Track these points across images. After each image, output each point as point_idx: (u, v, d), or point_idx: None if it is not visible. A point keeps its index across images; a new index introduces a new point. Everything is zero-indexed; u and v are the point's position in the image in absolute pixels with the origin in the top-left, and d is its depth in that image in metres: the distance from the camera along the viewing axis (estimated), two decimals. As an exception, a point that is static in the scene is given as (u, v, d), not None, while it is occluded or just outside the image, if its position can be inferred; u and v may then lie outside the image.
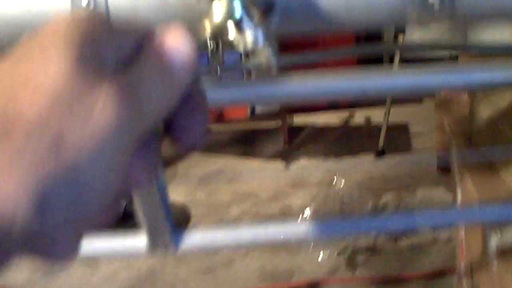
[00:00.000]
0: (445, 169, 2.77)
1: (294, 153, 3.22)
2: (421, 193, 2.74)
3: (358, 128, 3.48)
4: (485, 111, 1.35)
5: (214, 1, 0.45)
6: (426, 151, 3.08)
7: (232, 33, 0.46)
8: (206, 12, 0.46)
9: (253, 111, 3.28)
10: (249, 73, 2.78)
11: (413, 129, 3.33)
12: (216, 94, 0.83)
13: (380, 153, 3.09)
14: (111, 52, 0.32)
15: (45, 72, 0.30)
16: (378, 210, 2.66)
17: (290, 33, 0.56)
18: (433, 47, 1.76)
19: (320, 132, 3.43)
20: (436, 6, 0.53)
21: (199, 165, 3.13)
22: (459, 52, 1.82)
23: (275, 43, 0.49)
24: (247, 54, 0.48)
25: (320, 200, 2.76)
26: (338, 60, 2.99)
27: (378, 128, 3.12)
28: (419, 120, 3.36)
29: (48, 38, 0.31)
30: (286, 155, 3.20)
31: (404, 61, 2.83)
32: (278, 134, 3.34)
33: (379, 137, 3.08)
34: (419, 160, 3.01)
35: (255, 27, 0.46)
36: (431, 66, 0.89)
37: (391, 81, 0.88)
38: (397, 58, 2.85)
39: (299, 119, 3.57)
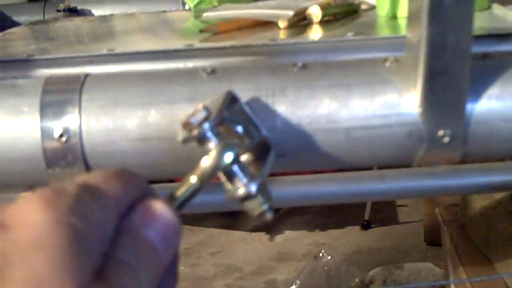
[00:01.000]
0: (432, 242, 2.73)
1: (279, 225, 3.16)
2: (409, 267, 2.68)
3: (343, 198, 3.43)
4: (479, 201, 1.31)
5: (203, 153, 0.40)
6: (412, 224, 3.03)
7: (222, 181, 0.42)
8: (194, 157, 0.41)
9: (237, 181, 3.23)
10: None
11: (399, 201, 3.29)
12: (201, 198, 0.78)
13: (366, 225, 3.04)
14: (97, 247, 0.29)
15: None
16: (365, 285, 2.60)
17: (285, 171, 0.52)
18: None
19: (305, 203, 3.38)
20: (446, 139, 0.48)
21: (182, 237, 3.05)
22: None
23: (268, 189, 0.44)
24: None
25: (306, 275, 2.69)
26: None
27: (364, 199, 3.07)
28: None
29: (31, 248, 0.27)
30: (271, 227, 3.14)
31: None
32: (263, 205, 3.28)
33: (365, 208, 3.04)
34: (406, 233, 2.97)
35: (248, 178, 0.41)
36: (428, 169, 0.85)
37: (386, 186, 0.84)
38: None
39: (283, 188, 3.52)
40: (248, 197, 0.42)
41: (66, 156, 0.49)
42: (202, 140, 0.42)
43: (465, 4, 0.45)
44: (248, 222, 3.21)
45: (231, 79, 0.51)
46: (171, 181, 0.69)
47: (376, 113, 0.49)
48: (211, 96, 0.47)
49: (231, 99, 0.47)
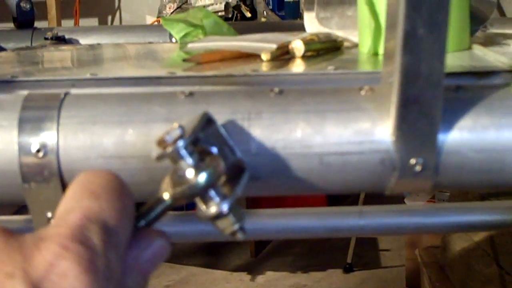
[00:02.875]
0: (414, 287, 2.72)
1: (261, 265, 3.14)
2: (390, 312, 2.68)
3: (326, 241, 3.42)
4: (459, 243, 1.31)
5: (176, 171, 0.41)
6: (395, 268, 3.02)
7: (195, 200, 0.42)
8: (167, 176, 0.42)
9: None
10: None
11: (381, 245, 3.28)
12: (175, 228, 0.78)
13: (348, 268, 3.03)
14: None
15: None
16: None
17: (259, 194, 0.52)
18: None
19: (288, 244, 3.36)
20: (418, 168, 0.49)
21: (163, 274, 3.02)
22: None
23: (240, 208, 0.44)
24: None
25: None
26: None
27: (346, 241, 3.07)
28: (387, 236, 3.32)
29: None
30: (252, 267, 3.12)
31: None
32: (245, 245, 3.26)
33: (347, 251, 3.03)
34: (388, 278, 2.95)
35: (220, 197, 0.42)
36: (407, 207, 0.85)
37: (365, 222, 0.84)
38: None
39: (267, 229, 3.51)
40: (219, 216, 0.43)
41: (42, 171, 0.49)
42: (175, 157, 0.42)
43: (438, 34, 0.46)
44: (230, 262, 3.19)
45: (208, 102, 0.51)
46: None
47: (350, 140, 0.50)
48: (188, 117, 0.48)
49: (207, 120, 0.47)
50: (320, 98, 0.52)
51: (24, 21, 1.36)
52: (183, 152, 0.42)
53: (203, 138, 0.46)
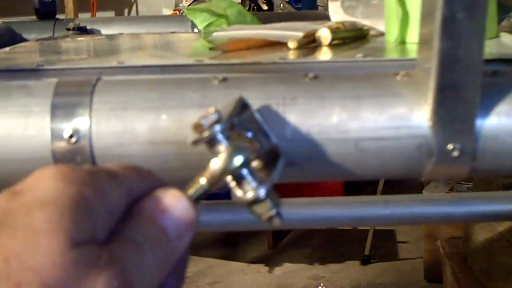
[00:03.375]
0: (432, 279, 2.71)
1: (278, 257, 3.14)
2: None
3: (344, 232, 3.41)
4: (482, 233, 1.30)
5: (213, 157, 0.40)
6: (413, 260, 3.01)
7: (231, 186, 0.41)
8: (202, 163, 0.41)
9: (237, 211, 3.22)
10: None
11: (399, 237, 3.27)
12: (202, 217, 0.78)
13: (366, 260, 3.02)
14: (104, 220, 0.30)
15: (34, 254, 0.27)
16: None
17: (294, 180, 0.52)
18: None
19: (306, 236, 3.36)
20: (456, 153, 0.48)
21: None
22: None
23: (277, 195, 0.44)
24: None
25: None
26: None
27: (364, 233, 3.06)
28: (405, 228, 3.31)
29: (35, 206, 0.28)
30: (270, 259, 3.12)
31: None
32: (262, 237, 3.26)
33: (365, 243, 3.02)
34: (406, 270, 2.94)
35: (257, 182, 0.41)
36: (432, 196, 0.85)
37: (390, 211, 0.84)
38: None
39: (284, 221, 3.50)
40: (256, 201, 0.42)
41: (75, 157, 0.49)
42: (212, 142, 0.42)
43: (478, 18, 0.45)
44: (248, 254, 3.19)
45: (241, 87, 0.51)
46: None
47: (386, 125, 0.49)
48: (222, 102, 0.47)
49: (242, 105, 0.47)
50: (355, 83, 0.51)
51: (46, 12, 1.36)
52: (220, 136, 0.42)
53: (239, 123, 0.46)
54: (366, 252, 3.02)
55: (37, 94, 0.51)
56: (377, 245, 3.07)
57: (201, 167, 0.40)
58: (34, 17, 1.41)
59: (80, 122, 0.49)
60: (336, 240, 3.30)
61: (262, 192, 0.42)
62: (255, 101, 0.49)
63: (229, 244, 3.29)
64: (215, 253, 3.17)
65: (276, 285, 2.86)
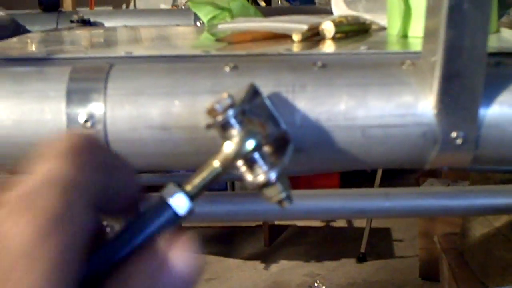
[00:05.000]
0: (428, 277, 2.73)
1: (274, 254, 3.15)
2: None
3: (340, 230, 3.42)
4: (479, 229, 1.32)
5: (225, 140, 0.42)
6: (408, 258, 3.03)
7: (242, 170, 0.43)
8: (213, 148, 0.42)
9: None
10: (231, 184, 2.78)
11: (395, 235, 3.29)
12: (202, 208, 0.79)
13: (362, 258, 3.04)
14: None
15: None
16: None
17: (303, 169, 0.53)
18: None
19: (302, 233, 3.37)
20: (459, 141, 0.50)
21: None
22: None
23: (287, 178, 0.45)
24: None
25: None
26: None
27: (360, 231, 3.07)
28: (400, 226, 3.33)
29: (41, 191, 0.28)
30: (266, 256, 3.13)
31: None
32: (258, 234, 3.27)
33: (361, 240, 3.04)
34: (401, 268, 2.96)
35: (268, 165, 0.42)
36: (432, 189, 0.86)
37: (390, 203, 0.85)
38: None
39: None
40: (267, 184, 0.43)
41: (89, 141, 0.50)
42: (225, 126, 0.43)
43: (483, 8, 0.46)
44: (244, 250, 3.20)
45: (252, 75, 0.52)
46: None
47: (392, 113, 0.50)
48: (233, 89, 0.49)
49: (253, 92, 0.48)
50: (362, 72, 0.52)
51: (50, 4, 1.37)
52: (233, 121, 0.43)
53: (250, 109, 0.47)
54: (362, 250, 3.04)
55: (52, 79, 0.52)
56: (373, 243, 3.09)
57: (212, 151, 0.41)
58: (38, 9, 1.42)
59: (95, 107, 0.51)
60: (332, 237, 3.31)
61: (273, 176, 0.43)
62: (266, 88, 0.50)
63: (225, 241, 3.30)
64: (211, 250, 3.18)
65: (272, 282, 2.87)
